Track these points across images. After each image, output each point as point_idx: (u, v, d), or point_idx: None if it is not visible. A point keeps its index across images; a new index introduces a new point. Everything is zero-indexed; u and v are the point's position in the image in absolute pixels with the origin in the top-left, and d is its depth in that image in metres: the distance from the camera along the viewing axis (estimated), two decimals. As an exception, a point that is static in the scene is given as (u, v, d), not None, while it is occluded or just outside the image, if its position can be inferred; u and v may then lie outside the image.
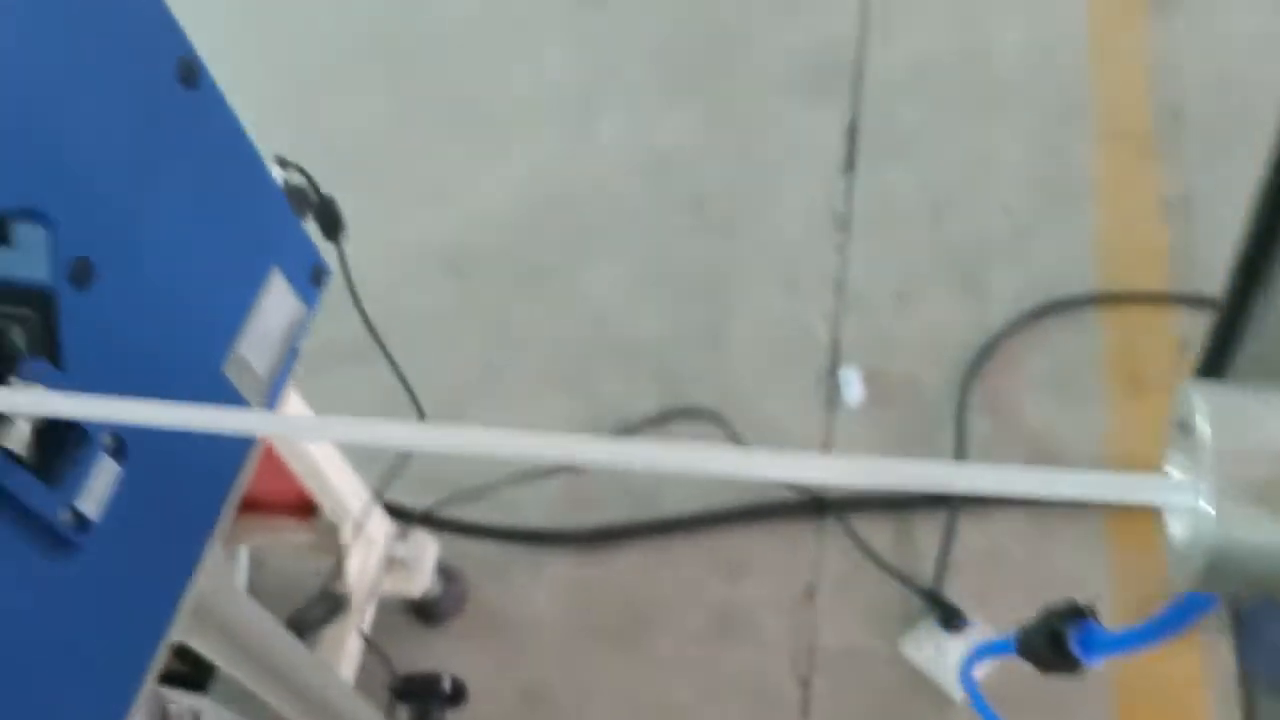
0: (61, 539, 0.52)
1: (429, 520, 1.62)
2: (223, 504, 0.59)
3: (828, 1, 2.17)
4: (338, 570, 1.43)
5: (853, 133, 2.00)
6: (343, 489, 1.38)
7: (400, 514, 1.58)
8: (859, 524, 1.57)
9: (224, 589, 0.64)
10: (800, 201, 1.94)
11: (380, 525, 1.49)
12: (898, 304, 1.80)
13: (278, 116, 1.75)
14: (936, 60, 2.06)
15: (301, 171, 0.65)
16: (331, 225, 0.69)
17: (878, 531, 1.57)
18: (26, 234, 0.48)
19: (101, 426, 0.51)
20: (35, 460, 0.48)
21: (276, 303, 0.64)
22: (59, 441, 0.49)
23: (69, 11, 0.50)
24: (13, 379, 0.48)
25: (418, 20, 2.36)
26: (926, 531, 1.55)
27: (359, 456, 1.41)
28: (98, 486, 0.52)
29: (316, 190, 0.67)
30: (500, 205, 2.05)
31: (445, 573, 1.57)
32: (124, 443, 0.53)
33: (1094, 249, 1.79)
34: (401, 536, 1.52)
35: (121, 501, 0.53)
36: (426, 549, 1.53)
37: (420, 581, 1.52)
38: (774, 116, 2.06)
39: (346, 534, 1.42)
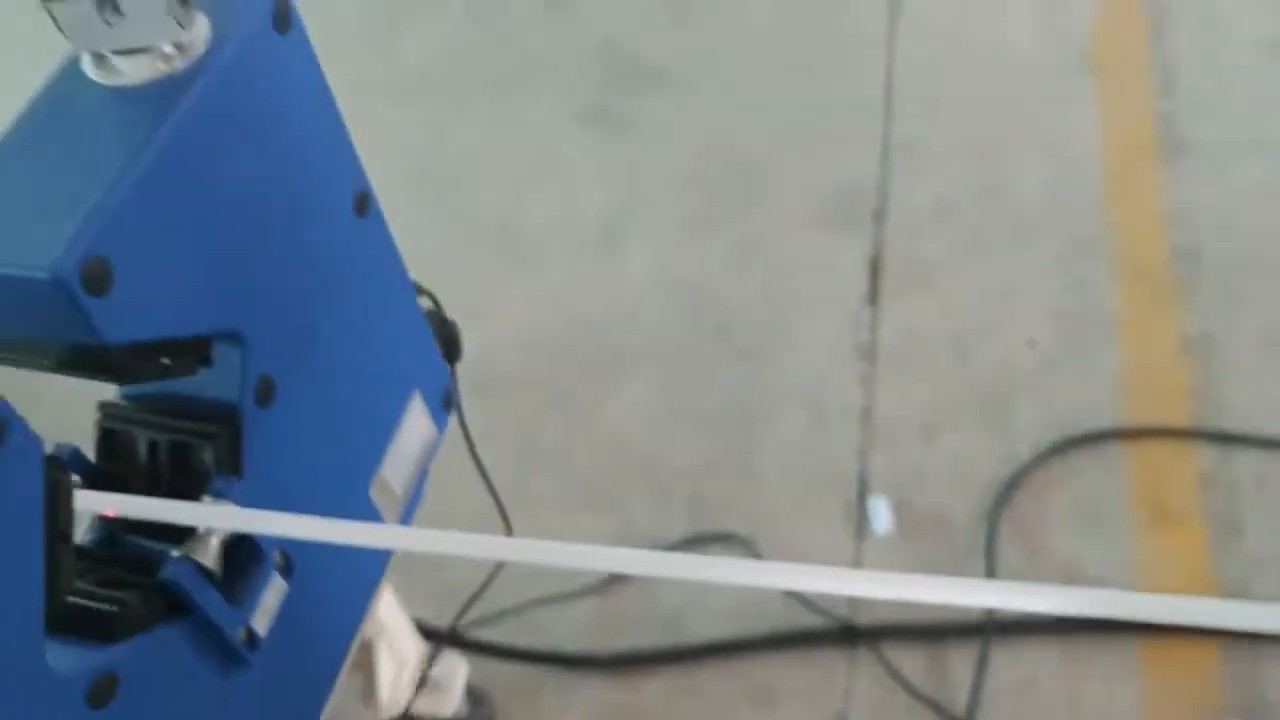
0: (233, 655, 0.53)
1: (457, 640, 1.61)
2: (362, 616, 0.61)
3: (850, 140, 2.25)
4: (369, 689, 1.42)
5: (876, 266, 2.06)
6: (383, 608, 1.39)
7: (428, 633, 1.58)
8: (890, 652, 1.57)
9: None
10: (826, 332, 1.98)
11: (414, 644, 1.48)
12: (924, 435, 1.82)
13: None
14: (956, 199, 2.13)
15: (431, 297, 0.69)
16: (452, 350, 0.72)
17: (910, 660, 1.56)
18: (223, 354, 0.51)
19: (275, 544, 0.53)
20: (222, 577, 0.50)
21: (414, 425, 0.67)
22: (237, 559, 0.51)
23: (278, 151, 0.54)
24: (204, 496, 0.50)
25: (447, 146, 2.44)
26: (959, 661, 1.55)
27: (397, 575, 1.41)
28: (268, 604, 0.54)
29: (441, 315, 0.70)
30: (527, 329, 2.09)
31: (473, 694, 1.56)
32: (291, 560, 0.55)
33: (1117, 384, 1.83)
34: (433, 656, 1.52)
35: (283, 617, 0.55)
36: (458, 670, 1.52)
37: (450, 703, 1.51)
38: (799, 249, 2.12)
39: (381, 652, 1.42)
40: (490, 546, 0.43)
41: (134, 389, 0.53)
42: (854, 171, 2.21)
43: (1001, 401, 1.84)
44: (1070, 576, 1.62)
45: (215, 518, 0.47)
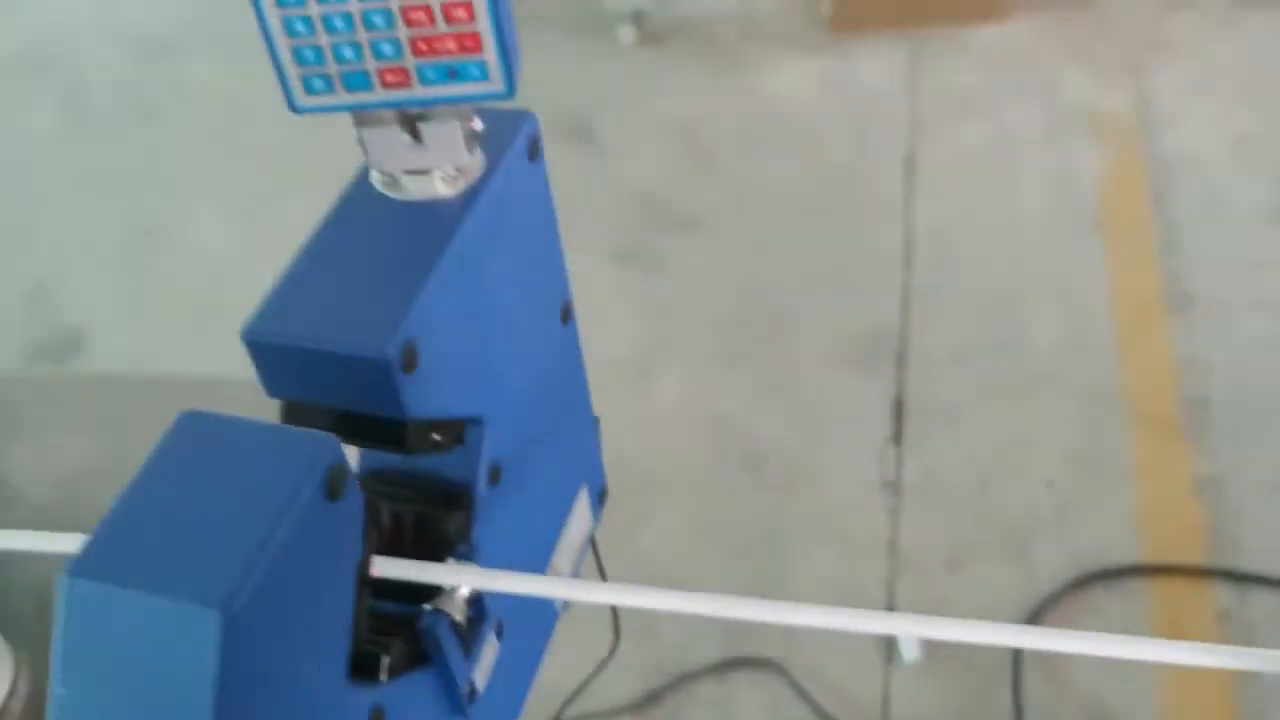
0: (456, 706, 0.60)
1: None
2: (530, 685, 0.68)
3: (872, 287, 2.37)
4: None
5: (899, 407, 2.15)
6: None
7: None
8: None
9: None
10: (852, 467, 2.06)
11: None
12: (949, 567, 1.88)
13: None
14: (974, 346, 2.24)
15: None
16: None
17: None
18: (470, 436, 0.60)
19: (498, 607, 0.61)
20: (464, 630, 0.58)
21: (580, 515, 0.75)
22: (467, 618, 0.59)
23: (523, 261, 0.64)
24: (449, 559, 0.58)
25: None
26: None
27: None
28: (486, 662, 0.61)
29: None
30: (564, 456, 2.16)
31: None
32: (503, 623, 0.62)
33: (1134, 523, 1.90)
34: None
35: (494, 677, 0.62)
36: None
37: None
38: (825, 387, 2.21)
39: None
40: (710, 603, 0.50)
41: (370, 463, 0.61)
42: (876, 317, 2.32)
43: (1023, 537, 1.91)
44: (1096, 711, 1.66)
45: (471, 578, 0.55)
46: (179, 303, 2.58)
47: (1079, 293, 2.30)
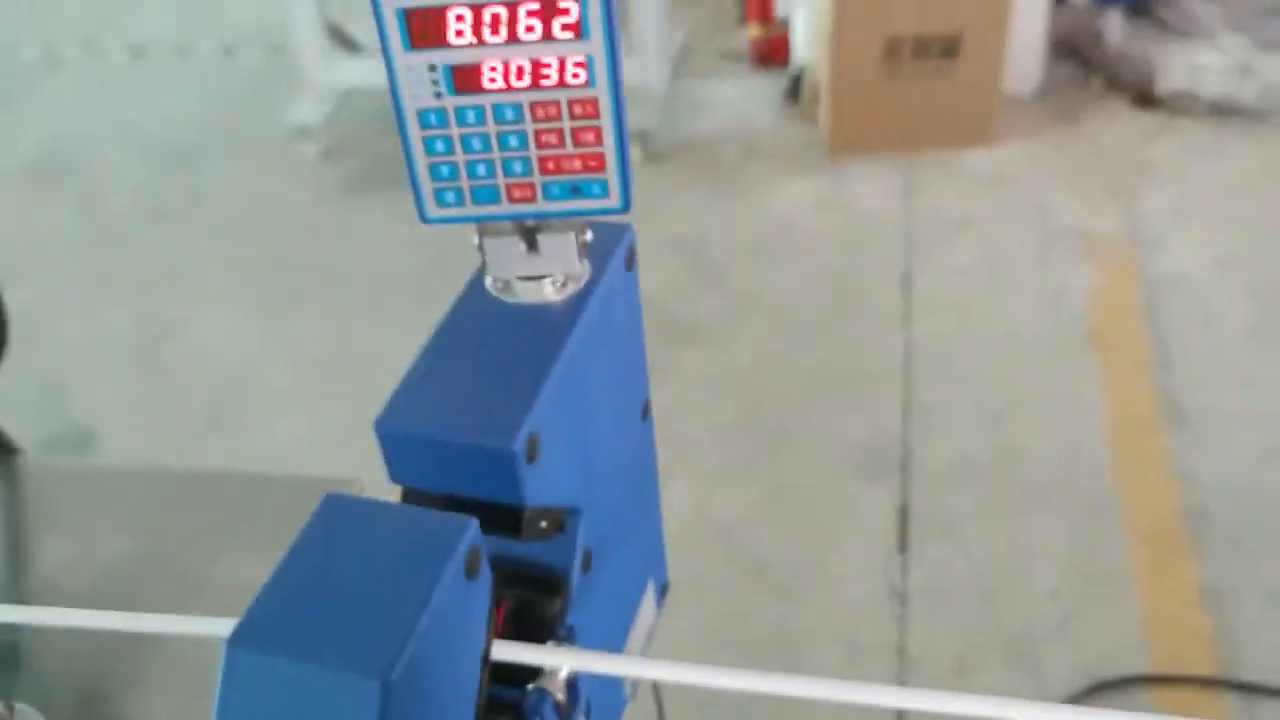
0: None
1: None
2: None
3: (874, 399, 2.43)
4: None
5: (904, 515, 2.19)
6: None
7: None
8: None
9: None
10: (859, 573, 2.09)
11: None
12: (958, 673, 1.90)
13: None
14: (975, 456, 2.29)
15: None
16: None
17: None
18: (570, 525, 0.64)
19: (587, 689, 0.65)
20: (564, 710, 0.61)
21: (647, 606, 0.80)
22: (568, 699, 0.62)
23: (618, 361, 0.70)
24: (550, 641, 0.62)
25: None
26: None
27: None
28: None
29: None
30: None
31: None
32: (590, 705, 0.66)
33: (1139, 633, 1.93)
34: None
35: None
36: None
37: None
38: (831, 496, 2.26)
39: None
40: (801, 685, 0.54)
41: None
42: (878, 427, 2.38)
43: (1030, 645, 1.94)
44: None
45: (576, 660, 0.59)
46: (190, 404, 2.61)
47: (1075, 406, 2.37)
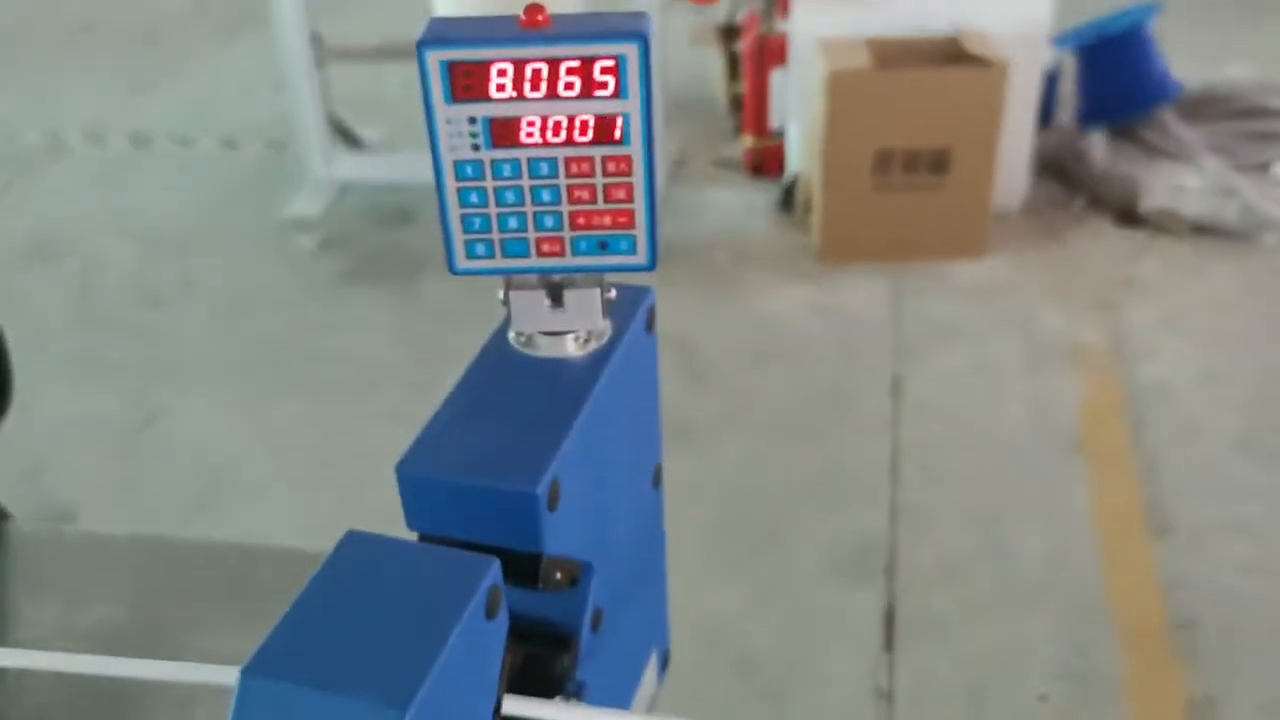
0: None
1: None
2: None
3: (862, 501, 2.43)
4: None
5: (890, 616, 2.17)
6: None
7: None
8: None
9: None
10: (844, 674, 2.07)
11: None
12: (947, 780, 1.87)
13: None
14: (963, 560, 2.29)
15: None
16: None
17: None
18: (582, 579, 0.64)
19: None
20: None
21: (649, 676, 0.79)
22: None
23: (635, 419, 0.70)
24: (558, 696, 0.62)
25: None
26: None
27: None
28: None
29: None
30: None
31: None
32: None
33: (1130, 742, 1.91)
34: None
35: None
36: None
37: None
38: (817, 596, 2.24)
39: None
40: None
41: None
42: (865, 529, 2.37)
43: (1020, 753, 1.91)
44: None
45: (587, 717, 0.59)
46: (172, 489, 2.59)
47: (1062, 513, 2.37)
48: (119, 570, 1.35)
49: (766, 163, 3.55)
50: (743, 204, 3.49)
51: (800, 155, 3.33)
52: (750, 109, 3.51)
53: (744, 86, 3.53)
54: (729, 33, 3.69)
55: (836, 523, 2.40)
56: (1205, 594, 2.15)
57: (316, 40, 3.26)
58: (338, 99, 3.52)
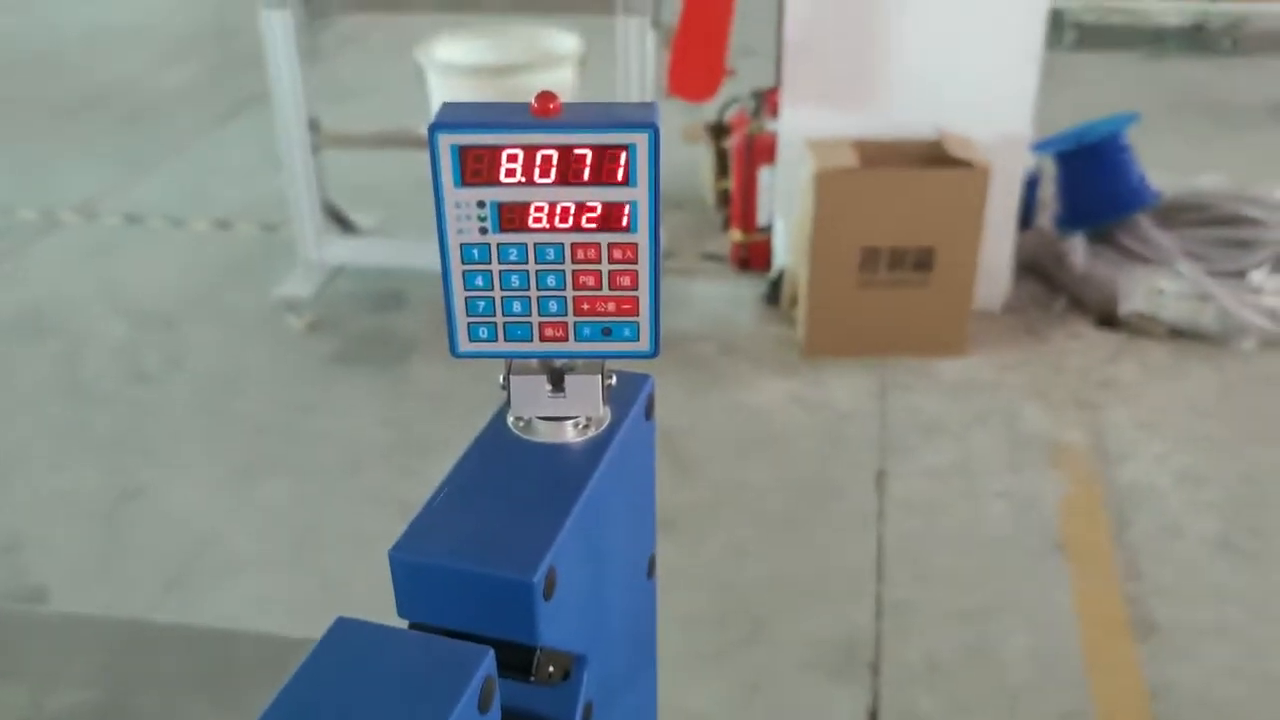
0: None
1: None
2: None
3: (846, 596, 2.42)
4: None
5: (874, 716, 2.15)
6: None
7: None
8: None
9: None
10: (828, 774, 2.04)
11: None
12: None
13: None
14: (947, 659, 2.27)
15: None
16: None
17: None
18: (575, 672, 0.64)
19: None
20: None
21: None
22: None
23: (630, 507, 0.71)
24: None
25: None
26: None
27: None
28: None
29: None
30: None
31: None
32: None
33: None
34: None
35: None
36: None
37: None
38: (800, 692, 2.21)
39: None
40: None
41: None
42: (849, 625, 2.35)
43: None
44: None
45: None
46: (148, 567, 2.55)
47: (1046, 612, 2.37)
48: (90, 653, 1.32)
49: (753, 257, 3.60)
50: (730, 297, 3.53)
51: (787, 250, 3.38)
52: (738, 205, 3.57)
53: (732, 183, 3.59)
54: (719, 131, 3.77)
55: (821, 617, 2.38)
56: (1190, 699, 2.13)
57: (315, 125, 3.31)
58: (333, 183, 3.56)
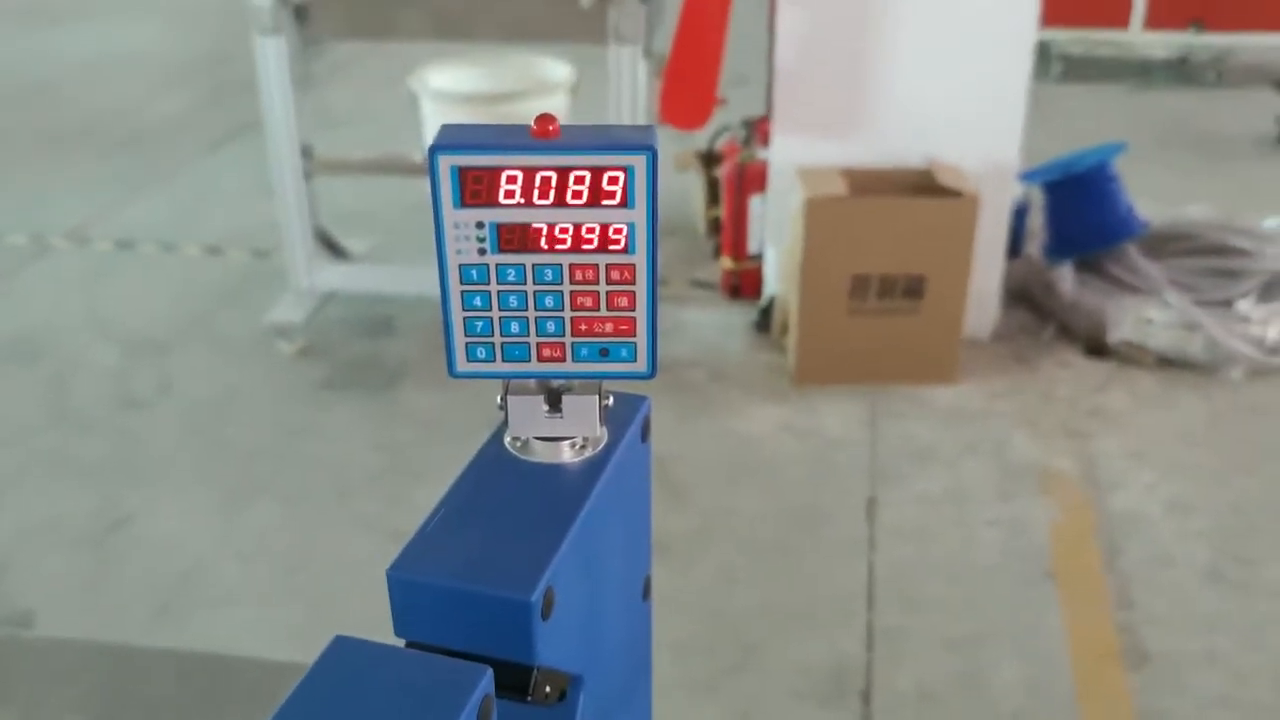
0: None
1: None
2: None
3: (837, 624, 2.42)
4: None
5: (865, 744, 2.14)
6: None
7: None
8: None
9: None
10: (820, 803, 2.02)
11: None
12: None
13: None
14: (938, 687, 2.26)
15: None
16: None
17: None
18: (571, 693, 0.64)
19: None
20: None
21: None
22: None
23: (627, 527, 0.71)
24: None
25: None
26: None
27: None
28: None
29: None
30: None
31: None
32: None
33: None
34: None
35: None
36: None
37: None
38: (792, 720, 2.21)
39: None
40: None
41: None
42: (840, 653, 2.35)
43: None
44: None
45: None
46: (136, 593, 2.54)
47: (1038, 641, 2.36)
48: (80, 678, 1.32)
49: (744, 285, 3.61)
50: (720, 324, 3.54)
51: (777, 278, 3.40)
52: (729, 232, 3.58)
53: (723, 211, 3.61)
54: (709, 159, 3.79)
55: (812, 645, 2.38)
56: (1180, 726, 2.14)
57: (307, 152, 3.32)
58: (324, 210, 3.57)
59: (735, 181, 3.51)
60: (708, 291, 3.70)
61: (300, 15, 3.14)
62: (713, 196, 3.81)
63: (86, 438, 3.08)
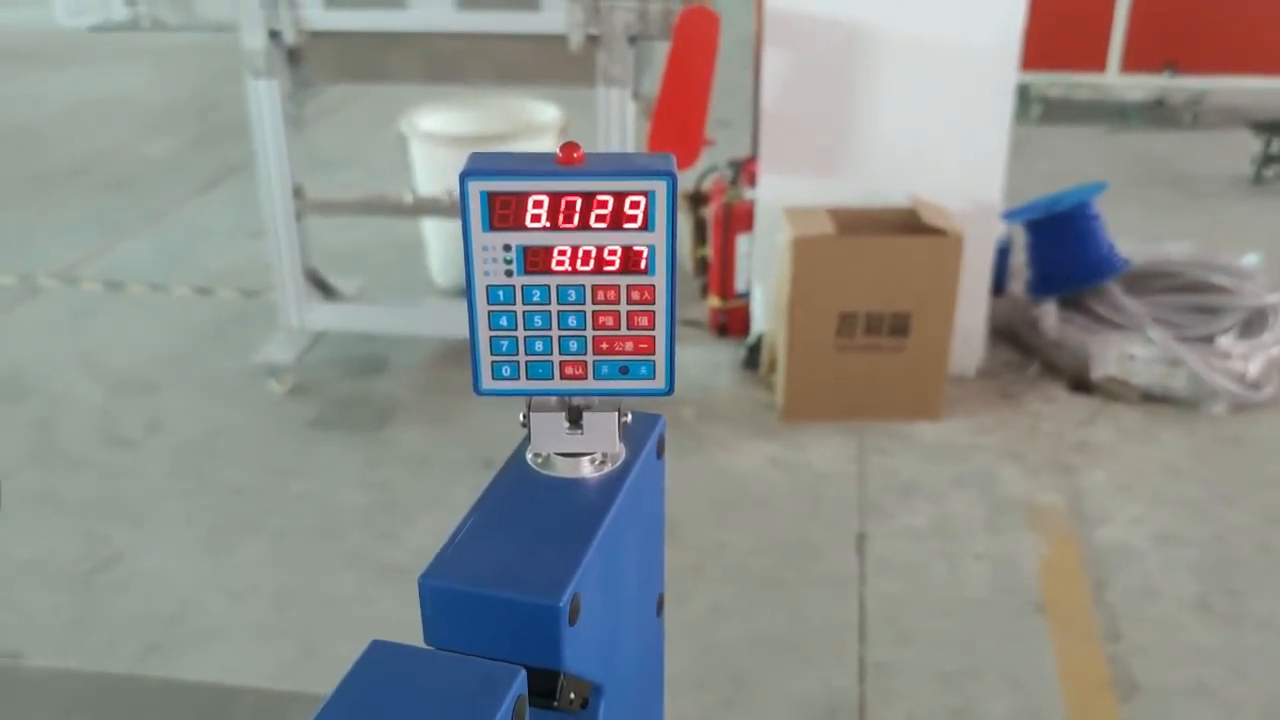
0: None
1: None
2: None
3: (829, 658, 2.42)
4: None
5: (859, 777, 2.14)
6: None
7: None
8: None
9: None
10: (815, 837, 2.02)
11: None
12: None
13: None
14: (931, 718, 2.27)
15: None
16: None
17: None
18: (592, 702, 0.65)
19: None
20: None
21: None
22: None
23: (643, 542, 0.73)
24: None
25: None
26: None
27: None
28: None
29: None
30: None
31: None
32: None
33: None
34: None
35: None
36: None
37: None
38: (786, 754, 2.21)
39: None
40: None
41: None
42: (832, 688, 2.35)
43: None
44: None
45: None
46: (123, 632, 2.52)
47: (1029, 673, 2.38)
48: (75, 711, 1.31)
49: (732, 323, 3.65)
50: (709, 362, 3.57)
51: (765, 316, 3.43)
52: (717, 271, 3.62)
53: (711, 250, 3.65)
54: (696, 199, 3.84)
55: (804, 679, 2.38)
56: (1172, 756, 2.15)
57: (298, 192, 3.35)
58: (315, 250, 3.59)
59: (722, 221, 3.55)
60: (696, 330, 3.73)
61: (293, 58, 3.18)
62: (700, 236, 3.85)
63: (73, 476, 3.08)
